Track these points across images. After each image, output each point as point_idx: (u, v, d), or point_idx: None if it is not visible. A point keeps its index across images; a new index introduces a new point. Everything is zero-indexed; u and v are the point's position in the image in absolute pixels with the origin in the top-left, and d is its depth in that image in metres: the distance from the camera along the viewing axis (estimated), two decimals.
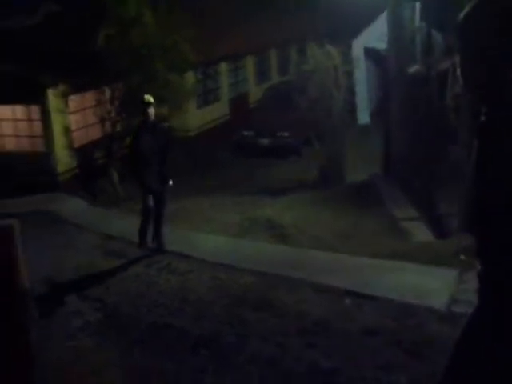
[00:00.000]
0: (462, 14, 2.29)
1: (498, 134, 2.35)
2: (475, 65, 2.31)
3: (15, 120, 15.00)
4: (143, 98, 8.11)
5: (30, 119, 14.83)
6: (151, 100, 8.00)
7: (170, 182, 8.42)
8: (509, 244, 2.46)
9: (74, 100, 15.10)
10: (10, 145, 15.10)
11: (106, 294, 6.78)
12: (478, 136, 2.46)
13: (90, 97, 15.44)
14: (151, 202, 8.23)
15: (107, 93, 15.28)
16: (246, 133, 18.38)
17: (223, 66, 21.34)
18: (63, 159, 14.64)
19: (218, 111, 20.79)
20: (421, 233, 8.81)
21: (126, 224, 10.21)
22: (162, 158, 8.18)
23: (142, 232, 8.47)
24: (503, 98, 2.27)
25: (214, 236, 9.13)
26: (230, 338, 5.50)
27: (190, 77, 18.18)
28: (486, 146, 2.44)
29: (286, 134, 17.68)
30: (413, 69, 10.93)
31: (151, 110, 7.98)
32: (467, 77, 2.39)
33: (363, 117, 20.44)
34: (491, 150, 2.42)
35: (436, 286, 6.20)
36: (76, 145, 15.04)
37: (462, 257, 6.96)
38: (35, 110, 14.65)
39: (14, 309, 4.59)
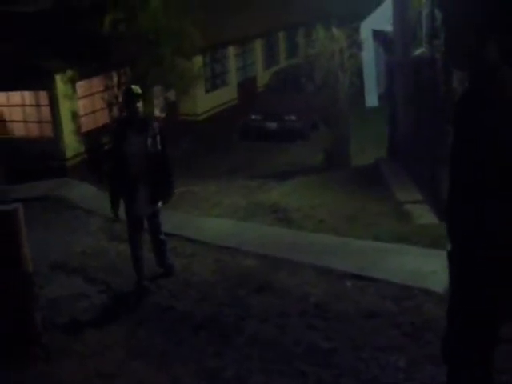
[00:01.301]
0: None
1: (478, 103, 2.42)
2: (463, 32, 2.40)
3: (24, 106, 15.12)
4: (129, 88, 6.34)
5: (38, 105, 14.94)
6: (139, 91, 6.21)
7: (159, 204, 6.43)
8: (468, 228, 2.53)
9: (81, 85, 15.20)
10: (19, 130, 15.25)
11: (111, 277, 6.88)
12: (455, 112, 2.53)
13: (97, 82, 15.54)
14: (137, 232, 6.46)
15: (114, 78, 15.35)
16: (253, 117, 18.39)
17: (231, 50, 21.33)
18: (71, 144, 14.76)
19: (226, 95, 20.82)
20: (424, 216, 8.81)
21: None
22: (155, 169, 6.20)
23: (136, 267, 6.53)
24: (488, 62, 2.37)
25: (219, 220, 9.20)
26: (231, 319, 5.61)
27: (198, 61, 18.21)
28: (463, 124, 2.51)
29: (293, 118, 17.68)
30: (418, 52, 10.87)
31: (140, 105, 6.19)
32: (453, 46, 2.50)
33: (372, 99, 20.34)
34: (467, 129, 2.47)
35: (436, 269, 6.24)
36: (84, 130, 15.15)
37: None
38: (43, 95, 14.76)
39: (17, 289, 4.74)
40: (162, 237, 6.61)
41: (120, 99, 14.97)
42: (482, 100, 2.40)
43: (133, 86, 6.35)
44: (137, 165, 6.14)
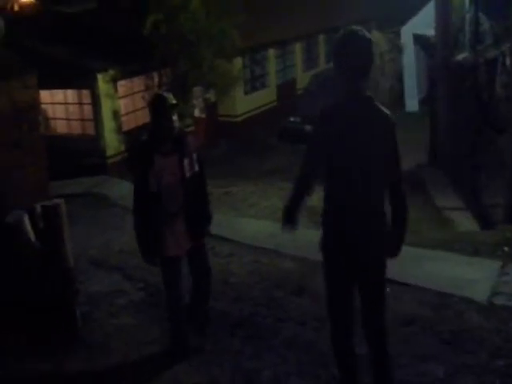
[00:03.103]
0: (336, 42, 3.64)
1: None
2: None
3: (66, 104, 15.38)
4: (161, 97, 4.78)
5: (80, 103, 15.18)
6: (174, 101, 4.77)
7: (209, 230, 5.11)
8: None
9: (122, 85, 15.38)
10: (62, 128, 15.51)
11: (149, 275, 6.88)
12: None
13: (138, 82, 15.71)
14: (176, 277, 4.91)
15: (155, 78, 15.50)
16: (292, 119, 18.37)
17: (271, 52, 21.34)
18: (112, 143, 14.94)
19: (266, 97, 20.83)
20: (465, 223, 8.70)
21: None
22: (193, 196, 4.81)
23: (175, 333, 5.07)
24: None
25: (257, 221, 9.20)
26: (268, 320, 5.60)
27: (238, 62, 18.26)
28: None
29: None
30: (460, 56, 10.75)
31: (175, 118, 4.75)
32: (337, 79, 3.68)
33: (411, 104, 20.16)
34: None
35: (477, 277, 6.15)
36: (124, 129, 15.33)
37: (506, 249, 6.88)
38: (86, 94, 14.98)
39: (58, 283, 4.82)
40: (207, 287, 5.21)
41: None
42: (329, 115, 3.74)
43: (165, 94, 4.84)
44: (170, 195, 4.72)
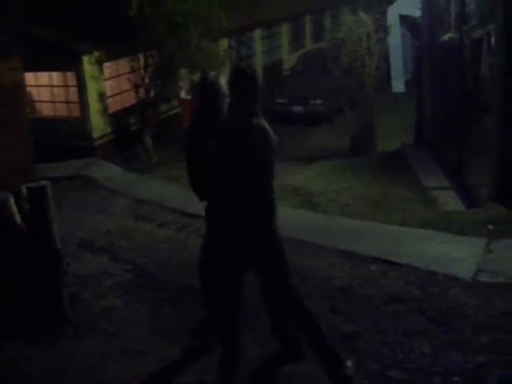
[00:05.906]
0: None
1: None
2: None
3: (52, 86, 15.22)
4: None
5: (65, 85, 15.03)
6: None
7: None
8: None
9: (108, 67, 15.23)
10: (47, 110, 15.36)
11: (136, 256, 6.94)
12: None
13: (124, 64, 15.55)
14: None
15: (141, 60, 15.36)
16: (279, 100, 18.32)
17: (257, 33, 21.22)
18: (98, 125, 14.82)
19: None
20: (450, 202, 8.76)
21: (158, 189, 10.41)
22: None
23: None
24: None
25: None
26: (253, 300, 5.61)
27: (224, 44, 18.14)
28: None
29: (318, 102, 17.58)
30: (446, 37, 10.74)
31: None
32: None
33: (398, 85, 20.16)
34: None
35: (462, 255, 6.22)
36: (111, 111, 15.22)
37: (490, 227, 6.95)
38: (71, 76, 14.83)
39: (45, 265, 4.81)
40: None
41: (146, 81, 14.96)
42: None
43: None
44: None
